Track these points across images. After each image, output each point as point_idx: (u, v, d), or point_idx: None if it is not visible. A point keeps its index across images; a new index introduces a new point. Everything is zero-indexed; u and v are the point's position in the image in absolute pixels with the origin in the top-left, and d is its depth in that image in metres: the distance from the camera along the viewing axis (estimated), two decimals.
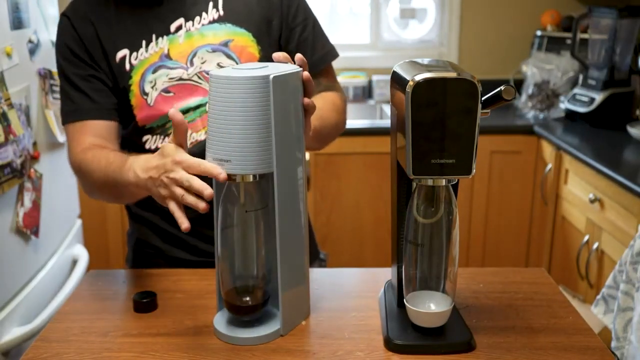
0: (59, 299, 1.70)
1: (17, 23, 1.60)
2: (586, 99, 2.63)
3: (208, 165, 0.97)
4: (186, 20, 1.30)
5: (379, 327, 1.08)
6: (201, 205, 0.97)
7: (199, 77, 1.29)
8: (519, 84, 2.97)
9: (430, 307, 1.02)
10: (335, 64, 1.42)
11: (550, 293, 1.21)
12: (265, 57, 1.31)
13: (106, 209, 2.75)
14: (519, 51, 3.15)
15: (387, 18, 3.28)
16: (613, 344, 1.37)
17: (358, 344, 1.04)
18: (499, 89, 0.92)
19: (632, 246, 1.40)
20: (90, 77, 1.28)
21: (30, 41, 1.68)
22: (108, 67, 1.29)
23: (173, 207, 1.00)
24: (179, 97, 1.28)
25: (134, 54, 1.28)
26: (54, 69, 1.78)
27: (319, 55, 1.38)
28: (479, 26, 3.19)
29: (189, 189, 0.98)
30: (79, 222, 2.07)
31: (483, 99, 0.92)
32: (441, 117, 0.90)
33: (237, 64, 1.29)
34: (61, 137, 1.82)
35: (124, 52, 1.28)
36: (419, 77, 0.89)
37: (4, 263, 1.50)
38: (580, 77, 2.76)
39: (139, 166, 1.05)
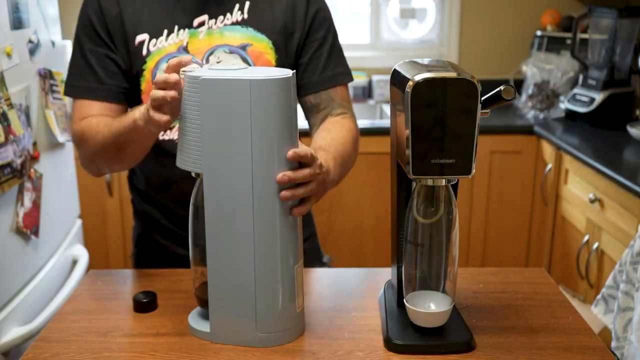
0: (59, 299, 1.69)
1: (17, 23, 1.60)
2: (586, 99, 2.63)
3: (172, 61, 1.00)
4: (209, 18, 1.30)
5: (379, 327, 1.08)
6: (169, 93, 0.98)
7: None
8: (519, 84, 2.97)
9: (430, 307, 1.02)
10: None
11: (550, 293, 1.21)
12: (282, 66, 1.31)
13: (106, 209, 2.75)
14: (519, 51, 3.15)
15: (387, 18, 3.28)
16: (613, 344, 1.36)
17: (358, 344, 1.04)
18: (498, 89, 0.92)
19: (632, 246, 1.39)
20: (104, 57, 1.29)
21: (30, 41, 1.67)
22: (126, 49, 1.29)
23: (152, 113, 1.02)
24: None
25: (153, 40, 1.29)
26: (54, 69, 1.79)
27: (328, 74, 1.36)
28: (479, 26, 3.19)
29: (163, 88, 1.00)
30: (79, 222, 2.06)
31: (483, 99, 0.92)
32: (441, 117, 0.90)
33: None
34: (61, 137, 1.82)
35: (144, 36, 1.29)
36: (419, 77, 0.89)
37: (4, 263, 1.49)
38: (580, 77, 2.75)
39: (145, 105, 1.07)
